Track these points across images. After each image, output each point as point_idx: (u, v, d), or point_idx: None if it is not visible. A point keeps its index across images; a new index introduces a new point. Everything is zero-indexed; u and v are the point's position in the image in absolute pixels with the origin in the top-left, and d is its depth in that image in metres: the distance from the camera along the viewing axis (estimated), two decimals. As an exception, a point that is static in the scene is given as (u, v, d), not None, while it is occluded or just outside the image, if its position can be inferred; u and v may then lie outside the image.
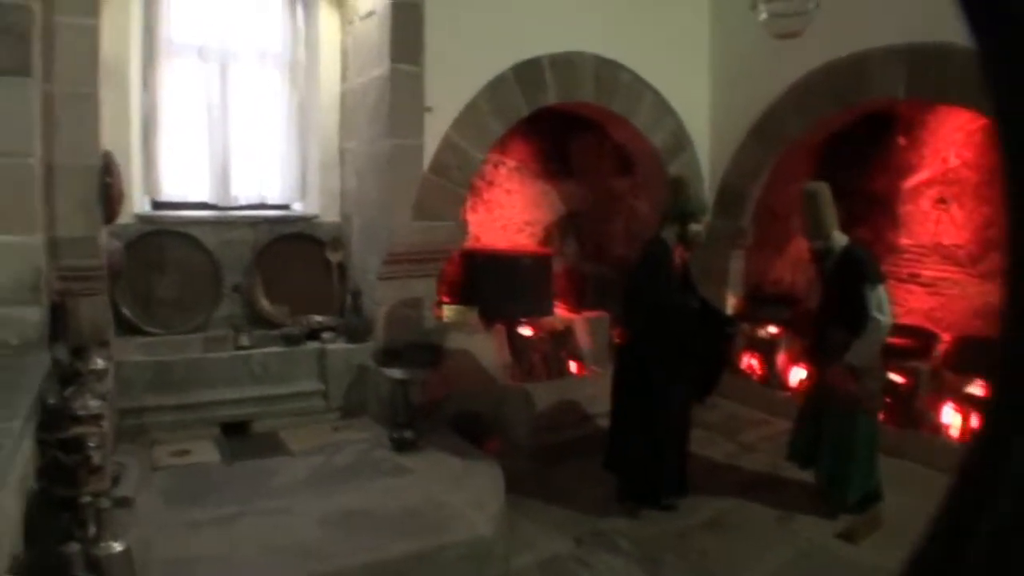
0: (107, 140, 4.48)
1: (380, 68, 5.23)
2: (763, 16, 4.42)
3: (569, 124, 7.00)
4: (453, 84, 5.37)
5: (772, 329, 6.34)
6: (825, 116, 5.78)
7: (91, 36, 3.96)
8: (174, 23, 5.43)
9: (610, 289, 6.54)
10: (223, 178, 5.60)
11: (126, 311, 5.19)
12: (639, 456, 4.35)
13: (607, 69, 6.07)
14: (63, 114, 3.89)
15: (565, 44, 5.82)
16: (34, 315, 3.70)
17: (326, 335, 5.42)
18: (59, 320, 3.92)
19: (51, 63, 3.83)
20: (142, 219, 5.25)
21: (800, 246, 5.99)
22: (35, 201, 3.66)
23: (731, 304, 6.47)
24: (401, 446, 4.64)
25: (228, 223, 5.56)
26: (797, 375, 6.03)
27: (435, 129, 5.34)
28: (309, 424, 5.08)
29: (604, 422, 4.94)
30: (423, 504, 3.91)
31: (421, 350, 5.09)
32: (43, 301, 3.75)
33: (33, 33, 3.57)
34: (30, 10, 3.55)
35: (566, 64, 5.86)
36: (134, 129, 5.18)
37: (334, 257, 5.82)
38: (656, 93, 6.33)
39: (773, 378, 6.25)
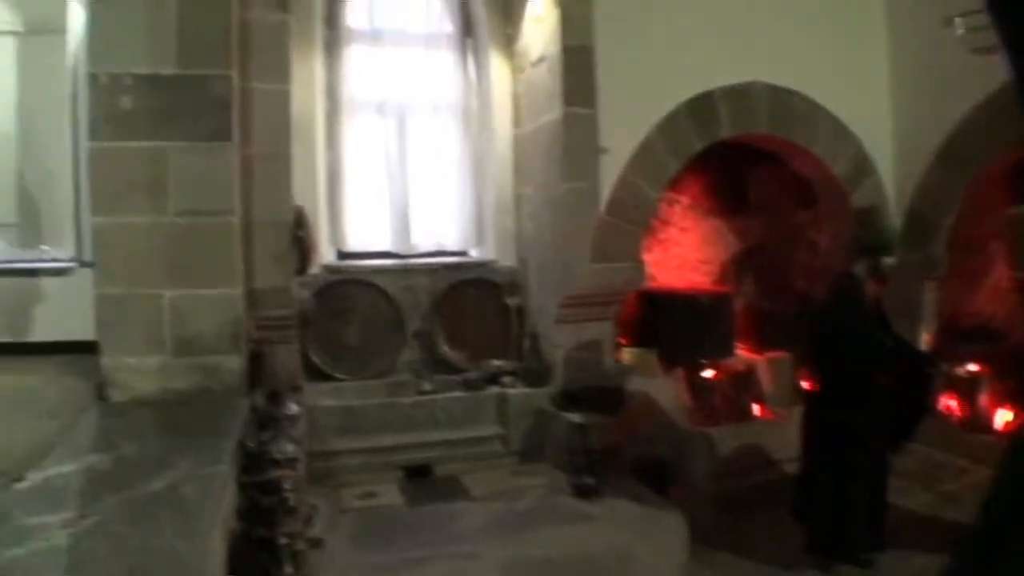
0: (297, 195, 4.80)
1: (553, 112, 5.31)
2: (959, 31, 4.12)
3: (744, 157, 6.77)
4: (626, 123, 5.35)
5: (972, 367, 5.81)
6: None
7: (283, 100, 4.30)
8: (354, 82, 5.86)
9: (792, 327, 6.20)
10: (403, 227, 5.90)
11: (315, 358, 5.51)
12: (831, 506, 4.05)
13: (781, 97, 5.82)
14: (259, 173, 4.23)
15: (736, 75, 5.66)
16: (234, 363, 3.97)
17: (505, 379, 5.50)
18: (256, 367, 4.21)
19: (248, 127, 4.18)
20: (329, 269, 5.60)
21: (1000, 275, 5.45)
22: (235, 256, 3.97)
23: (925, 341, 5.95)
24: (581, 492, 4.58)
25: (409, 270, 5.82)
26: (1003, 417, 5.52)
27: (610, 169, 5.34)
28: (489, 468, 5.13)
29: (791, 468, 4.71)
30: (606, 553, 3.83)
31: (600, 394, 5.05)
32: (242, 350, 4.02)
33: (233, 100, 3.92)
34: (230, 79, 3.91)
35: (738, 95, 5.68)
36: (320, 184, 5.58)
37: (511, 301, 5.92)
38: (834, 119, 5.98)
39: (975, 421, 5.69)
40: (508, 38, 6.12)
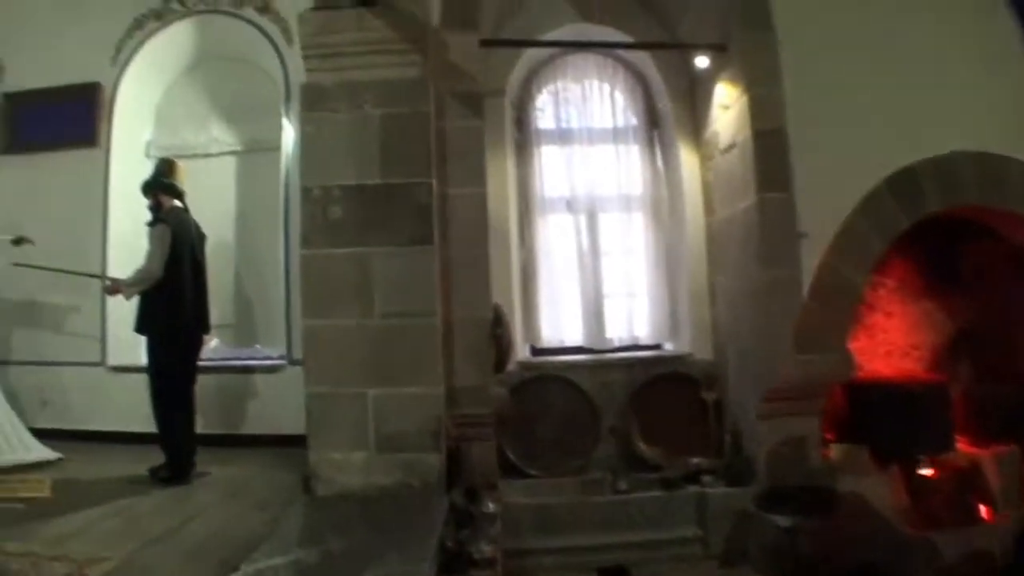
0: (492, 293, 4.94)
1: (747, 199, 5.22)
2: None
3: (953, 232, 6.31)
4: (825, 205, 5.13)
5: None
6: None
7: (480, 202, 4.53)
8: (545, 180, 6.12)
9: (1018, 416, 5.61)
10: (597, 321, 5.98)
11: (510, 454, 5.60)
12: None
13: (991, 164, 5.34)
14: (458, 274, 4.43)
15: (939, 146, 5.29)
16: (434, 460, 4.09)
17: (704, 478, 5.31)
18: (454, 464, 4.32)
19: (447, 229, 4.43)
20: (524, 365, 5.73)
21: None
22: (437, 355, 4.13)
23: None
24: (789, 600, 4.29)
25: (603, 365, 5.84)
26: None
27: (811, 254, 5.13)
28: (688, 572, 4.95)
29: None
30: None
31: (808, 494, 4.76)
32: (442, 447, 4.12)
33: (433, 206, 4.17)
34: (430, 186, 4.17)
35: (943, 167, 5.28)
36: (514, 281, 5.78)
37: (709, 396, 5.76)
38: (1053, 182, 5.47)
39: None
40: (695, 127, 6.15)
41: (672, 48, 6.03)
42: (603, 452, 5.76)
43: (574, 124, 6.31)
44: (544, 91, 6.42)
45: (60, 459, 5.41)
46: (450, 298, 4.38)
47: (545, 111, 6.39)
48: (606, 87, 6.39)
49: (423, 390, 4.08)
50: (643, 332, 6.13)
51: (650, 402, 5.77)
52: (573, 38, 6.08)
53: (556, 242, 6.11)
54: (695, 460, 5.46)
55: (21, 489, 4.45)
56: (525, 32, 5.86)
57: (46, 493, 4.42)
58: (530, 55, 6.21)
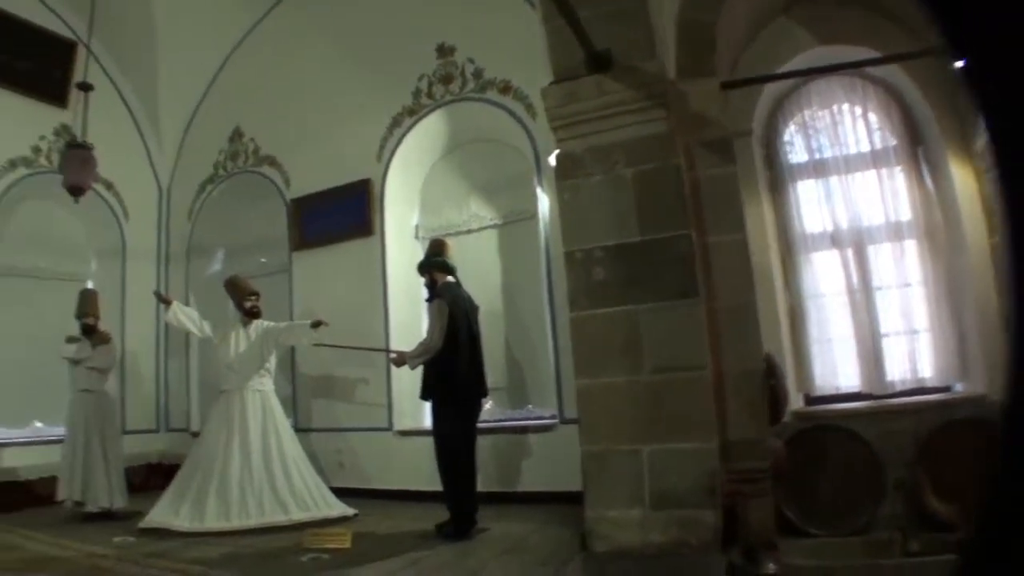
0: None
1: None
2: None
3: None
4: None
5: None
6: None
7: (741, 249, 4.35)
8: (804, 217, 5.75)
9: None
10: (875, 364, 5.44)
11: (787, 511, 5.22)
12: None
13: None
14: (726, 324, 4.26)
15: None
16: (710, 517, 3.89)
17: (1015, 539, 4.63)
18: (730, 522, 4.10)
19: (710, 280, 4.29)
20: (798, 415, 5.36)
21: None
22: (709, 409, 3.97)
23: None
24: None
25: (885, 412, 5.29)
26: None
27: None
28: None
29: None
30: None
31: None
32: (717, 504, 3.92)
33: (694, 257, 4.08)
34: (690, 238, 4.08)
35: None
36: (782, 326, 5.46)
37: (1016, 443, 5.05)
38: None
39: None
40: (965, 138, 5.46)
41: (929, 56, 5.44)
42: (889, 509, 5.17)
43: (828, 153, 5.89)
44: (791, 123, 6.08)
45: (356, 515, 5.85)
46: (719, 349, 4.22)
47: (795, 144, 6.04)
48: (857, 109, 5.89)
49: (696, 445, 3.93)
50: (928, 373, 5.44)
51: (941, 452, 5.12)
52: (813, 64, 5.70)
53: (823, 281, 5.68)
54: (999, 518, 4.77)
55: (327, 541, 4.83)
56: (762, 66, 5.61)
57: (348, 545, 4.77)
58: (771, 89, 5.95)
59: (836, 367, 5.58)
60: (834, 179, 5.79)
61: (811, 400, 5.54)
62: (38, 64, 7.95)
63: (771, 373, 4.57)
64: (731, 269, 4.31)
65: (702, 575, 3.71)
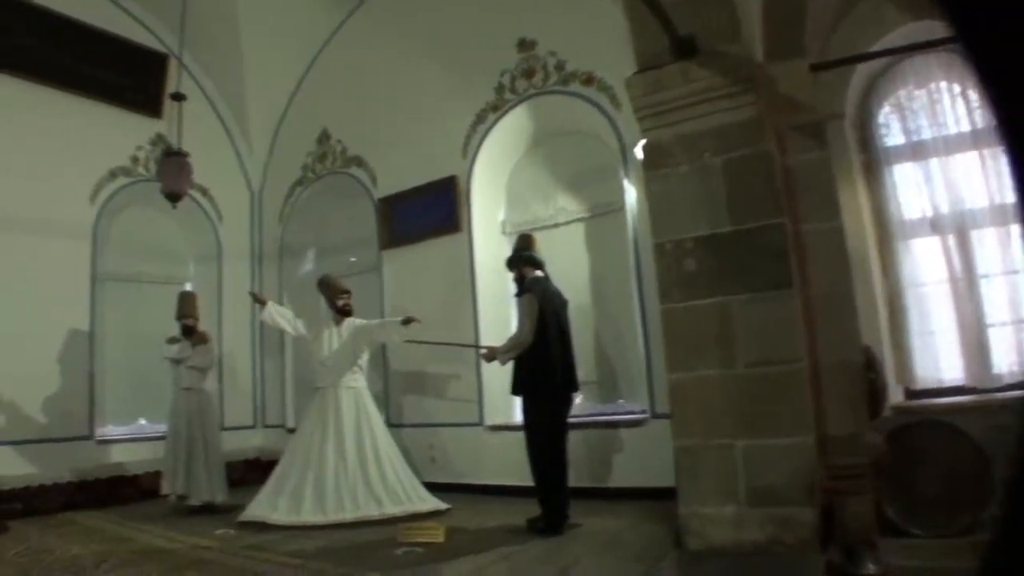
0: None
1: None
2: None
3: None
4: None
5: None
6: None
7: (836, 237, 4.22)
8: (901, 202, 5.53)
9: None
10: (980, 356, 5.19)
11: (887, 510, 5.06)
12: None
13: None
14: (822, 316, 4.15)
15: None
16: (807, 515, 3.82)
17: None
18: (828, 520, 4.01)
19: (805, 269, 4.20)
20: (898, 410, 5.18)
21: None
22: (805, 403, 3.89)
23: None
24: None
25: (992, 406, 5.06)
26: None
27: None
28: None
29: None
30: None
31: None
32: (815, 501, 3.85)
33: (788, 247, 4.00)
34: (783, 227, 4.00)
35: None
36: (880, 317, 5.28)
37: None
38: None
39: None
40: None
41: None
42: (995, 509, 4.96)
43: (926, 134, 5.60)
44: (886, 104, 5.82)
45: (448, 509, 5.99)
46: (815, 342, 4.12)
47: (890, 126, 5.79)
48: (956, 87, 5.54)
49: (792, 440, 3.86)
50: (1043, 363, 5.18)
51: (1058, 449, 4.86)
52: (906, 42, 5.43)
53: (923, 269, 5.45)
54: None
55: (420, 535, 4.96)
56: (853, 45, 5.41)
57: (441, 539, 4.88)
58: (864, 69, 5.71)
59: (938, 359, 5.34)
60: (933, 161, 5.52)
61: (912, 394, 5.33)
62: (134, 78, 8.42)
63: (870, 366, 4.44)
64: (826, 258, 4.19)
65: (799, 574, 3.62)
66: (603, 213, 6.92)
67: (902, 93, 5.73)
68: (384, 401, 7.59)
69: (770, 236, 3.98)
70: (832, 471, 4.14)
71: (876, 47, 5.26)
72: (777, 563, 3.74)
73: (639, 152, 4.63)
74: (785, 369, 3.88)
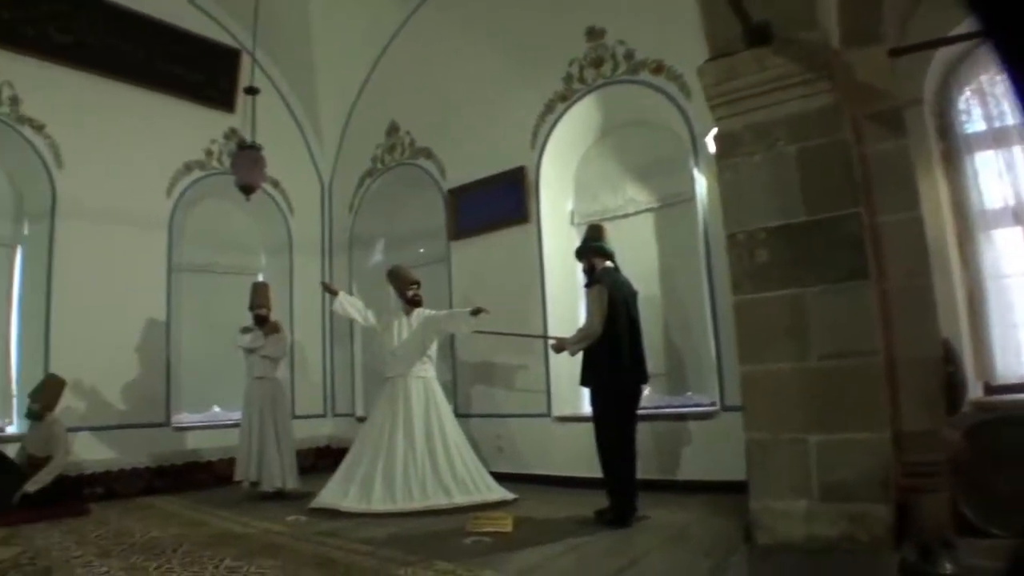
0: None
1: None
2: None
3: None
4: None
5: None
6: None
7: (915, 227, 4.14)
8: (983, 192, 5.39)
9: None
10: (1065, 349, 5.06)
11: (965, 508, 4.95)
12: None
13: None
14: (899, 308, 4.09)
15: None
16: (882, 512, 3.78)
17: None
18: (903, 518, 3.95)
19: (881, 261, 4.14)
20: (977, 405, 5.06)
21: None
22: (881, 398, 3.85)
23: None
24: None
25: (1081, 404, 4.93)
26: None
27: None
28: None
29: None
30: None
31: None
32: (890, 498, 3.81)
33: (864, 238, 3.95)
34: (859, 217, 3.96)
35: None
36: (960, 310, 5.17)
37: None
38: None
39: None
40: None
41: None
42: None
43: (1008, 121, 5.42)
44: (966, 90, 5.66)
45: (516, 499, 6.07)
46: (892, 335, 4.06)
47: (971, 112, 5.63)
48: None
49: (867, 435, 3.82)
50: None
51: None
52: None
53: (1005, 260, 5.29)
54: None
55: (489, 524, 5.06)
56: (932, 30, 5.27)
57: (509, 529, 4.97)
58: (943, 54, 5.55)
59: (1020, 353, 5.19)
60: (1016, 148, 5.36)
61: (992, 389, 5.19)
62: (207, 73, 8.73)
63: (948, 360, 4.35)
64: (904, 249, 4.13)
65: (873, 572, 3.60)
66: (672, 203, 6.91)
67: (983, 78, 5.57)
68: (452, 391, 7.72)
69: (846, 226, 3.94)
70: (908, 468, 4.08)
71: (956, 31, 5.12)
72: (850, 561, 3.71)
73: (710, 141, 4.62)
74: (860, 362, 3.84)
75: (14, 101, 7.25)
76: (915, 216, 4.17)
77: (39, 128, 7.40)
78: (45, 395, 6.58)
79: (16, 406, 7.24)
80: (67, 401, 6.91)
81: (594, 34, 7.16)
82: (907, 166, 4.30)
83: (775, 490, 4.03)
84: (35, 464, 6.34)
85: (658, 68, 6.69)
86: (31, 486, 6.15)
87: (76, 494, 6.68)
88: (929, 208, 4.99)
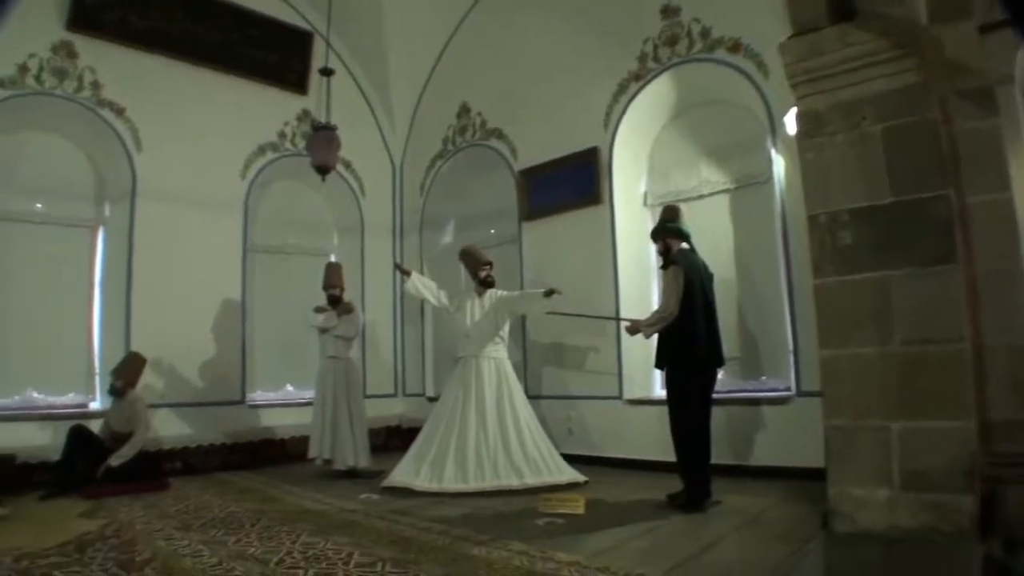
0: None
1: None
2: None
3: None
4: None
5: None
6: None
7: (1006, 210, 4.06)
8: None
9: None
10: None
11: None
12: None
13: None
14: (987, 293, 4.02)
15: None
16: (966, 503, 3.73)
17: None
18: (989, 510, 3.89)
19: (970, 244, 4.08)
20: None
21: None
22: (967, 386, 3.82)
23: None
24: None
25: None
26: None
27: None
28: None
29: None
30: None
31: None
32: (975, 489, 3.76)
33: (954, 220, 3.90)
34: (948, 199, 3.90)
35: None
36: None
37: None
38: None
39: None
40: None
41: None
42: None
43: None
44: None
45: (587, 482, 6.13)
46: (980, 321, 4.00)
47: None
48: None
49: (952, 424, 3.79)
50: None
51: None
52: None
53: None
54: None
55: (561, 506, 5.14)
56: (1025, 3, 5.09)
57: (581, 511, 5.04)
58: None
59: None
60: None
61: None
62: (281, 55, 8.97)
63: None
64: (994, 232, 4.05)
65: (956, 565, 3.56)
66: (749, 184, 6.85)
67: (1079, 54, 5.35)
68: (523, 372, 7.82)
69: (933, 208, 3.90)
70: (994, 458, 4.02)
71: (1051, 6, 4.96)
72: (931, 552, 3.68)
73: (790, 121, 4.59)
74: (946, 349, 3.81)
75: (95, 86, 7.57)
76: (1006, 198, 4.10)
77: (120, 112, 7.72)
78: (127, 372, 6.88)
79: (99, 383, 7.60)
80: (146, 378, 7.21)
81: (669, 12, 7.12)
82: (998, 146, 4.22)
83: (855, 478, 4.03)
84: (118, 439, 6.65)
85: (735, 46, 6.62)
86: (114, 460, 6.45)
87: (157, 469, 6.97)
88: (1021, 190, 4.85)
